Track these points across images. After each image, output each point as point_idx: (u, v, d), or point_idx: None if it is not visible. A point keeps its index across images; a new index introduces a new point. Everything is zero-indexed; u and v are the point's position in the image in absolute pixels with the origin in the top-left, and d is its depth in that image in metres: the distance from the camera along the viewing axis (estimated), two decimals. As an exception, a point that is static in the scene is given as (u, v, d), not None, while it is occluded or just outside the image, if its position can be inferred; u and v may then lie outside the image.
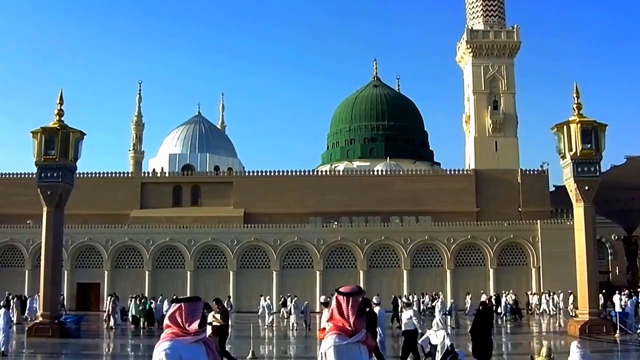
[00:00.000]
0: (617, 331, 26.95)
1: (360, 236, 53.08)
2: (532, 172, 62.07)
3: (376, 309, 16.14)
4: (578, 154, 28.54)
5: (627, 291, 42.19)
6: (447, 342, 15.33)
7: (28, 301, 40.55)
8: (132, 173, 71.92)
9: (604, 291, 41.14)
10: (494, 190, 60.18)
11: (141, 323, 35.31)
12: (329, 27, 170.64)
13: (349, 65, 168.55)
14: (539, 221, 53.31)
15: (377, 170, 64.39)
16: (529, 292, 49.50)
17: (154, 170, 70.08)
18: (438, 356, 15.54)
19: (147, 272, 52.32)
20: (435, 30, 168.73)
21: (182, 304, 4.77)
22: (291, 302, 38.10)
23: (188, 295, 48.80)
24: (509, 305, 41.89)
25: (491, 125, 63.05)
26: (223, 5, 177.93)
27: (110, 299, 35.19)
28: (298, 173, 62.58)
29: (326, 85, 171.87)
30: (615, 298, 39.70)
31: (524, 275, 52.62)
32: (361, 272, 52.13)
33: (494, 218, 55.73)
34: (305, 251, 53.23)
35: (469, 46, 64.45)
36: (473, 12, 67.00)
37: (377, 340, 14.70)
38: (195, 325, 4.69)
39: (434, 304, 44.26)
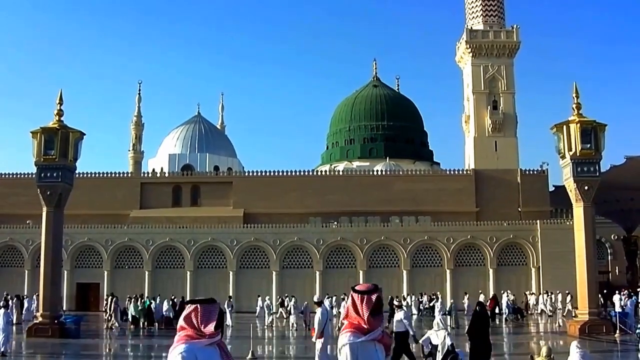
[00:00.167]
0: (617, 331, 26.95)
1: (360, 236, 53.08)
2: (531, 172, 62.08)
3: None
4: (578, 154, 28.53)
5: (626, 291, 42.18)
6: (448, 342, 15.35)
7: (25, 301, 40.47)
8: (132, 173, 71.89)
9: (605, 291, 41.15)
10: (493, 190, 60.19)
11: (141, 323, 35.27)
12: (328, 27, 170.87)
13: (348, 65, 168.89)
14: (538, 221, 53.31)
15: (377, 170, 64.38)
16: (527, 292, 49.51)
17: (153, 170, 70.07)
18: (439, 356, 15.56)
19: (146, 272, 52.30)
20: (435, 30, 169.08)
21: (198, 305, 4.68)
22: (289, 302, 38.08)
23: (188, 295, 49.06)
24: (510, 305, 41.86)
25: (491, 125, 63.07)
26: (223, 5, 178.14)
27: (112, 299, 35.15)
28: (298, 173, 62.57)
29: (326, 85, 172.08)
30: (616, 298, 39.70)
31: (524, 276, 52.63)
32: (361, 272, 52.12)
33: (493, 218, 55.74)
34: (305, 251, 53.22)
35: (468, 46, 64.46)
36: (473, 12, 67.01)
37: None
38: (211, 327, 4.61)
39: (431, 304, 44.37)
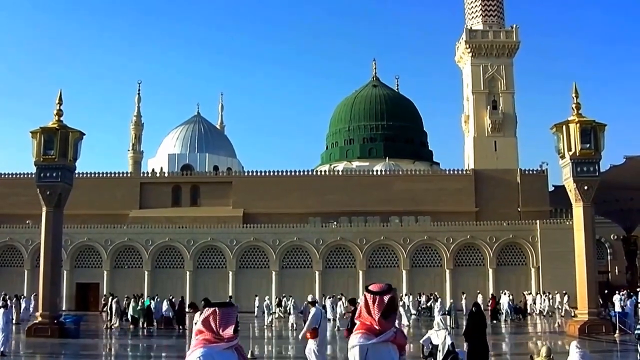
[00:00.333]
0: (617, 331, 26.95)
1: (360, 236, 53.07)
2: (531, 172, 62.08)
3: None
4: (577, 154, 28.52)
5: (625, 291, 42.14)
6: (448, 342, 15.36)
7: (23, 301, 40.40)
8: (132, 173, 71.84)
9: (605, 291, 41.07)
10: (493, 190, 60.19)
11: (140, 323, 35.26)
12: (328, 27, 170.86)
13: (348, 65, 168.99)
14: (538, 221, 53.33)
15: (377, 170, 64.37)
16: (525, 292, 49.49)
17: (153, 170, 70.03)
18: (439, 356, 15.57)
19: (146, 272, 52.30)
20: (435, 30, 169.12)
21: (216, 308, 4.62)
22: (287, 302, 38.03)
23: (187, 295, 48.99)
24: (512, 305, 41.81)
25: (490, 125, 63.08)
26: (223, 5, 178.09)
27: (112, 299, 35.14)
28: (297, 173, 62.56)
29: (325, 85, 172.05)
30: (615, 298, 39.68)
31: (524, 275, 52.66)
32: (360, 272, 52.12)
33: (493, 218, 55.74)
34: (305, 251, 53.21)
35: (468, 46, 64.47)
36: (472, 12, 67.02)
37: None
38: (230, 331, 4.55)
39: (429, 304, 44.35)
